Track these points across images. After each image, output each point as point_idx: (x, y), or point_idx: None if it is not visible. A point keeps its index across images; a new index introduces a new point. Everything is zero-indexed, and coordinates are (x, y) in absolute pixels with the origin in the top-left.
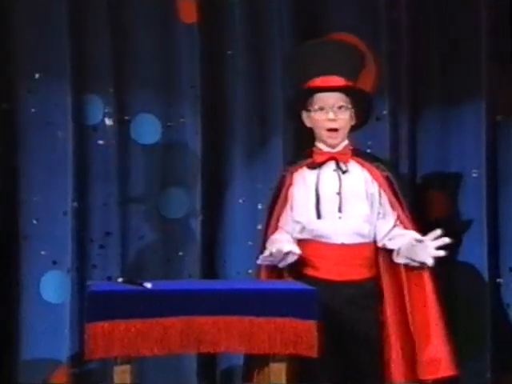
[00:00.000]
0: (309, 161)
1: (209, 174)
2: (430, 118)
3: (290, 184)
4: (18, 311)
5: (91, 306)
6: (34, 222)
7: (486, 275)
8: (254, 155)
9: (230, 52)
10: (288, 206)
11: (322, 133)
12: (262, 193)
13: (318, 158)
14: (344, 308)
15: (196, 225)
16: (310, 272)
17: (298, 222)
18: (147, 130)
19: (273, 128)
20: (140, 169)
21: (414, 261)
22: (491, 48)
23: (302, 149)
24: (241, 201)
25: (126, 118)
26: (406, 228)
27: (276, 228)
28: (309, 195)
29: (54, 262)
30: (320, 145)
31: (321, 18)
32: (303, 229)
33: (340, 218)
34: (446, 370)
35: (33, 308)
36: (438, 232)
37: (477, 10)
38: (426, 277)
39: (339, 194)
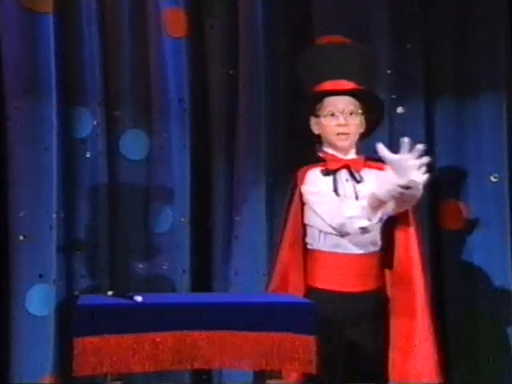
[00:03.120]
0: (322, 165)
1: (197, 187)
2: (445, 118)
3: (302, 183)
4: (5, 326)
5: (80, 320)
6: (21, 237)
7: (510, 288)
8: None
9: (219, 65)
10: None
11: (331, 137)
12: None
13: (332, 165)
14: (361, 319)
15: (183, 237)
16: (323, 285)
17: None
18: (135, 145)
19: (261, 140)
20: (128, 183)
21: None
22: (510, 41)
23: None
24: (229, 211)
25: (115, 132)
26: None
27: (297, 229)
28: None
29: (40, 276)
30: (330, 150)
31: (312, 26)
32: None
33: None
34: None
35: (21, 322)
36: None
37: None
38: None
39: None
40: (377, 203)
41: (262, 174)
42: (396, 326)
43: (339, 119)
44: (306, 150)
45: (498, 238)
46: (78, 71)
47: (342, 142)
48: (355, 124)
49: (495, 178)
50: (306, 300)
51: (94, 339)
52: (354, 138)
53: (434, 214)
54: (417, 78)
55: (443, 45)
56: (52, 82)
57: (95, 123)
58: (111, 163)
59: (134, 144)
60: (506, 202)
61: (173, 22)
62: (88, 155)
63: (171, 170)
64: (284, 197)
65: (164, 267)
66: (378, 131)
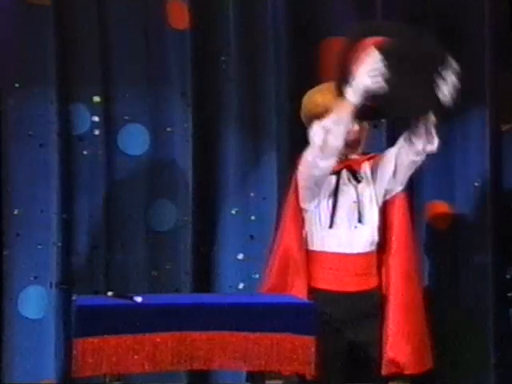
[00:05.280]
0: None
1: (200, 184)
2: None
3: None
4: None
5: (79, 320)
6: (15, 236)
7: (489, 284)
8: (246, 164)
9: (222, 59)
10: None
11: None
12: (254, 203)
13: (336, 166)
14: (362, 318)
15: (185, 237)
16: (323, 285)
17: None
18: (135, 140)
19: (266, 136)
20: (127, 180)
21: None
22: (495, 53)
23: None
24: (233, 212)
25: (114, 127)
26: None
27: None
28: (326, 202)
29: (35, 277)
30: None
31: (316, 22)
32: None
33: (356, 227)
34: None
35: (13, 324)
36: None
37: (479, 14)
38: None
39: (356, 202)
40: None
41: (275, 171)
42: (392, 321)
43: (354, 125)
44: None
45: (479, 237)
46: (77, 65)
47: (353, 155)
48: (366, 129)
49: (477, 183)
50: (306, 300)
51: (94, 340)
52: (363, 145)
53: (422, 214)
54: None
55: None
56: (49, 77)
57: (93, 120)
58: (110, 159)
59: (134, 139)
60: (487, 205)
61: (176, 14)
62: (86, 152)
63: (173, 166)
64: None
65: (167, 267)
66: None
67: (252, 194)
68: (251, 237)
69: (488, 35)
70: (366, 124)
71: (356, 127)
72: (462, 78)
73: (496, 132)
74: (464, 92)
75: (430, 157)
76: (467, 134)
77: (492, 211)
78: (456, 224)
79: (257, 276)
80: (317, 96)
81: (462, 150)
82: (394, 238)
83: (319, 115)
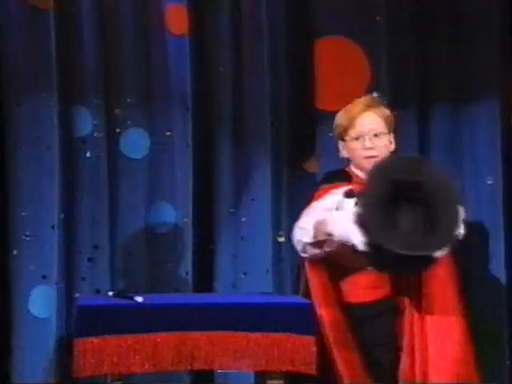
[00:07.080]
0: (345, 187)
1: (200, 186)
2: (439, 121)
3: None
4: (8, 327)
5: (80, 320)
6: (23, 237)
7: (503, 288)
8: (245, 166)
9: (220, 63)
10: None
11: (360, 161)
12: (254, 204)
13: (357, 187)
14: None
15: (185, 238)
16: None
17: None
18: (136, 143)
19: (262, 140)
20: (129, 182)
21: None
22: (504, 46)
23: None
24: (232, 213)
25: (115, 130)
26: None
27: None
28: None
29: (44, 277)
30: (357, 171)
31: (315, 22)
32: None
33: None
34: None
35: (22, 323)
36: None
37: (487, 5)
38: None
39: None
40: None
41: (268, 173)
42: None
43: (365, 142)
44: (312, 146)
45: (491, 239)
46: (78, 69)
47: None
48: (382, 145)
49: (490, 180)
50: (306, 300)
51: (95, 340)
52: None
53: None
54: (413, 83)
55: (439, 51)
56: (53, 80)
57: (95, 122)
58: (112, 162)
59: (135, 142)
60: (499, 204)
61: (175, 19)
62: (88, 154)
63: (173, 169)
64: (291, 194)
65: (167, 268)
66: None
67: (251, 195)
68: (251, 237)
69: (496, 27)
70: (382, 141)
71: (368, 144)
72: (471, 70)
73: (507, 126)
74: (473, 85)
75: (438, 154)
76: (477, 129)
77: (505, 210)
78: (468, 223)
79: (255, 276)
80: (338, 115)
81: (472, 146)
82: None
83: (339, 136)
